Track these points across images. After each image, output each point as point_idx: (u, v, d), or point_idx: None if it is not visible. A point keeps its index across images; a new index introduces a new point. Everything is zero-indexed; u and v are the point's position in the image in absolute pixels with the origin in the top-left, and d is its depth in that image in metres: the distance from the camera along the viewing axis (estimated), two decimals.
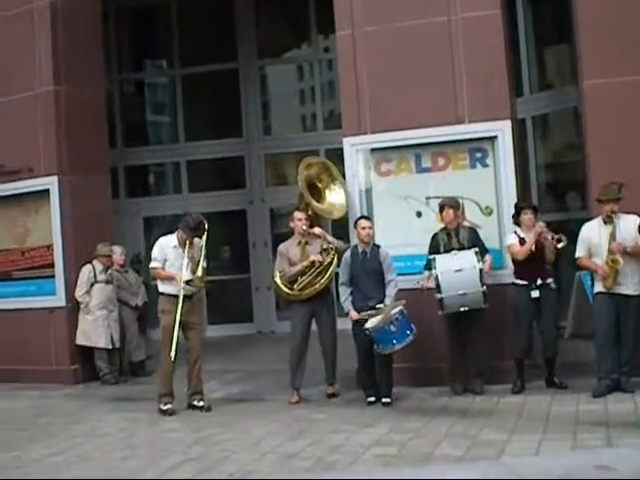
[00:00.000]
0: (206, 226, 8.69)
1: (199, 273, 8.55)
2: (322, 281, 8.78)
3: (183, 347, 8.72)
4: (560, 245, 8.22)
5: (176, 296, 8.52)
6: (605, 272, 8.01)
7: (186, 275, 8.49)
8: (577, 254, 8.31)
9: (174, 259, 8.62)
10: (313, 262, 8.76)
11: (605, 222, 8.12)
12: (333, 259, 8.86)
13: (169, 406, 8.50)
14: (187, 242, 8.53)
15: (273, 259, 13.59)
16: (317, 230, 8.88)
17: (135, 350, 11.23)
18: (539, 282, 8.38)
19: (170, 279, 8.57)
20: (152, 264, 8.77)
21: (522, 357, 8.47)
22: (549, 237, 8.24)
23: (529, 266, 8.39)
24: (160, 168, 17.25)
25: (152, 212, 16.00)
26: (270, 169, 16.25)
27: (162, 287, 8.71)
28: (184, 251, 8.55)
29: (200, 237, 8.66)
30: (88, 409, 9.18)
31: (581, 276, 8.57)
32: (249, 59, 15.93)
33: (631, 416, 7.09)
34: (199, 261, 8.59)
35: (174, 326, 8.45)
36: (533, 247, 8.33)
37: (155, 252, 8.76)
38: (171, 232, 8.84)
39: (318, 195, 9.32)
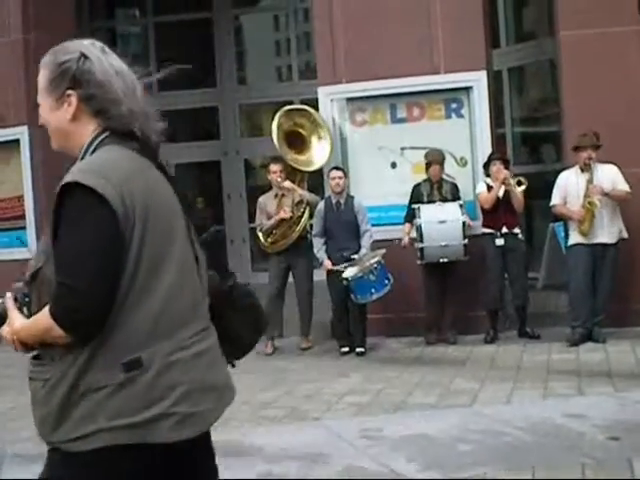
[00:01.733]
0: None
1: None
2: (293, 234, 8.76)
3: None
4: (521, 188, 8.24)
5: None
6: (581, 215, 8.03)
7: None
8: (553, 201, 8.34)
9: None
10: (283, 218, 8.72)
11: (582, 170, 8.15)
12: (304, 212, 8.81)
13: None
14: None
15: (248, 211, 13.60)
16: (287, 184, 8.79)
17: None
18: (504, 230, 8.41)
19: None
20: None
21: (494, 307, 8.52)
22: (512, 182, 8.26)
23: (495, 214, 8.44)
24: None
25: None
26: (245, 120, 16.12)
27: None
28: None
29: None
30: None
31: (554, 227, 8.60)
32: (224, 8, 15.70)
33: (602, 365, 7.16)
34: None
35: None
36: (500, 194, 8.35)
37: None
38: None
39: (302, 143, 9.17)
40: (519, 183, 8.28)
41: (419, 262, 8.42)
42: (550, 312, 8.86)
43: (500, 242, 8.40)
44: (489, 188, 8.46)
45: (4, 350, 8.96)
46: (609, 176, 8.11)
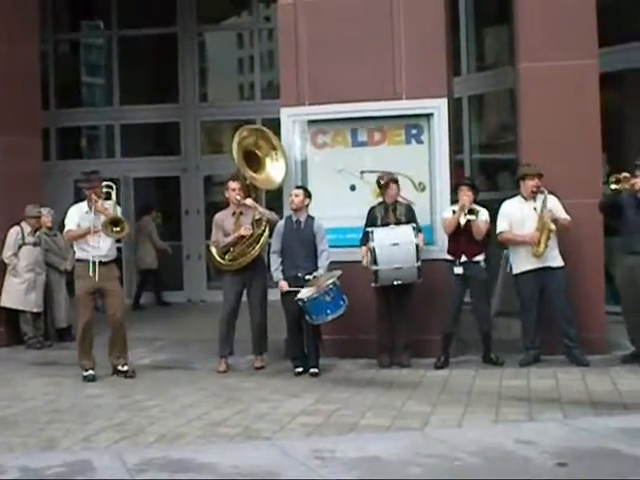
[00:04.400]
0: (101, 175, 8.69)
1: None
2: (252, 252, 8.76)
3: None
4: (471, 217, 8.28)
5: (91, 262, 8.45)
6: (535, 238, 8.22)
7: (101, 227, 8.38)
8: (499, 229, 8.50)
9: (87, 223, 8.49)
10: (242, 236, 8.74)
11: (526, 199, 8.39)
12: (264, 230, 8.84)
13: (90, 372, 8.44)
14: (94, 198, 8.41)
15: (205, 228, 13.59)
16: (248, 201, 8.82)
17: (63, 315, 11.09)
18: (463, 259, 8.46)
19: (86, 233, 8.40)
20: (66, 228, 8.57)
21: (449, 332, 8.58)
22: (465, 210, 8.34)
23: (456, 242, 8.49)
24: (93, 131, 17.01)
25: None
26: (206, 137, 16.14)
27: (78, 253, 8.59)
28: (95, 214, 8.43)
29: (96, 186, 8.49)
30: (12, 373, 9.05)
31: (508, 254, 8.73)
32: (188, 24, 15.76)
33: (552, 392, 7.26)
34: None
35: (88, 292, 8.47)
36: (462, 221, 8.40)
37: (67, 219, 8.58)
38: (81, 200, 8.72)
39: (257, 164, 9.22)
40: (470, 211, 8.32)
41: (373, 285, 8.47)
42: (502, 339, 8.95)
43: (458, 270, 8.45)
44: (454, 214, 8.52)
45: None
46: (552, 205, 8.32)
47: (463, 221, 8.39)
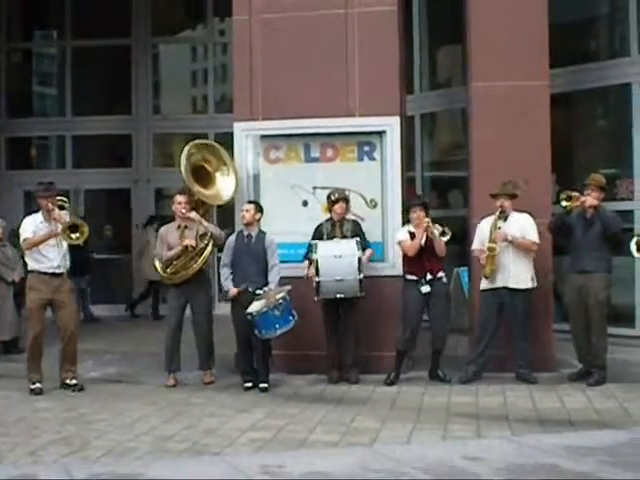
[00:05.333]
0: (56, 187, 8.72)
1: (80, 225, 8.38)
2: (194, 266, 8.73)
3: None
4: (445, 238, 8.36)
5: (45, 273, 8.37)
6: (480, 257, 8.34)
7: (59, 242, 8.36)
8: (472, 247, 8.60)
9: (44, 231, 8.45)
10: (186, 247, 8.71)
11: (499, 217, 8.47)
12: (207, 244, 8.82)
13: (37, 385, 8.34)
14: (50, 207, 8.34)
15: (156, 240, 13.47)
16: (192, 215, 8.78)
17: (8, 327, 10.92)
18: (429, 277, 8.45)
19: (48, 237, 8.34)
20: (24, 236, 8.44)
21: (404, 349, 8.60)
22: (435, 232, 8.38)
23: (419, 261, 8.44)
24: (44, 141, 16.83)
25: (33, 186, 15.52)
26: (158, 149, 16.05)
27: (32, 264, 8.49)
28: (50, 223, 8.38)
29: (52, 195, 8.48)
30: None
31: (459, 272, 8.81)
32: (142, 36, 15.70)
33: (500, 409, 7.33)
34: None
35: (40, 304, 8.40)
36: (423, 242, 8.43)
37: (23, 229, 8.50)
38: (35, 212, 8.65)
39: (208, 178, 9.20)
40: (443, 234, 8.30)
41: (315, 298, 8.47)
42: (450, 355, 9.01)
43: (426, 289, 8.39)
44: (412, 235, 8.47)
45: None
46: (520, 224, 8.41)
47: (423, 240, 8.39)
